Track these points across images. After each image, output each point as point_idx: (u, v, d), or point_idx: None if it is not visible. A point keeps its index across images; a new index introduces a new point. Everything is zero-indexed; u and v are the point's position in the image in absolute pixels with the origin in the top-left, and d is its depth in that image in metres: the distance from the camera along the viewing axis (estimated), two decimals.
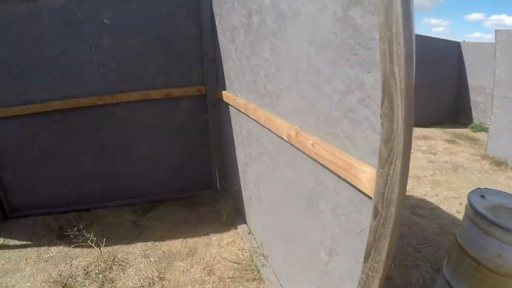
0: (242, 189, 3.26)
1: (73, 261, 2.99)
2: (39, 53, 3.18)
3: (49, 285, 2.72)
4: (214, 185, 3.99)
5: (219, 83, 3.45)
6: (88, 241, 3.02)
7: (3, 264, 2.99)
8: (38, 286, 2.74)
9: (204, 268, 2.86)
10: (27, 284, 2.77)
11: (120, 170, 3.71)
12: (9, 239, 3.31)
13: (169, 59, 3.45)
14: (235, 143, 3.25)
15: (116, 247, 3.17)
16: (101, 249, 3.06)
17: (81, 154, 3.58)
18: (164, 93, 3.50)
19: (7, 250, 3.16)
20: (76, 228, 3.12)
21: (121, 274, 2.81)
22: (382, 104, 1.11)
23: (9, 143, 3.41)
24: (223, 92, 3.24)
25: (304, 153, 1.76)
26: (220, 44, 3.21)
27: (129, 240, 3.26)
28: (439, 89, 8.39)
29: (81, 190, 3.70)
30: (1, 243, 3.26)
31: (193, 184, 3.96)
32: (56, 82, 3.30)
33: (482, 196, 2.09)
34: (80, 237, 3.07)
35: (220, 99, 3.45)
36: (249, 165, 2.93)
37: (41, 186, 3.62)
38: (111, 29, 3.25)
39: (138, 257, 3.02)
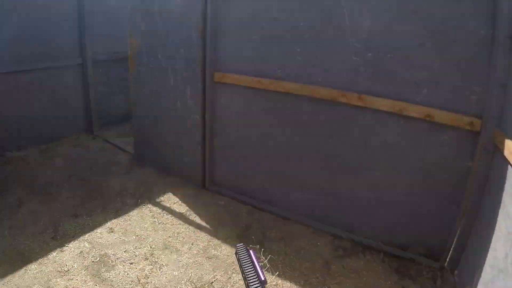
0: None
1: (234, 275, 2.25)
2: (284, 20, 2.65)
3: None
4: (442, 259, 2.43)
5: (503, 123, 1.98)
6: (261, 263, 2.26)
7: (168, 236, 2.60)
8: (182, 282, 2.17)
9: None
10: (174, 273, 2.24)
11: (338, 189, 2.76)
12: (191, 211, 2.94)
13: (442, 65, 2.20)
14: (497, 228, 1.86)
15: (288, 285, 2.21)
16: (269, 280, 2.20)
17: (302, 155, 2.85)
18: (425, 113, 2.28)
19: (183, 224, 2.77)
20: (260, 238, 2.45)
21: None
22: None
23: (230, 114, 3.11)
24: (506, 140, 1.80)
25: None
26: None
27: (306, 285, 2.23)
28: None
29: (288, 195, 2.99)
30: (183, 212, 2.93)
31: (415, 245, 2.53)
32: (297, 60, 2.68)
33: None
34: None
35: (497, 148, 1.97)
36: (505, 277, 1.62)
37: (251, 172, 3.13)
38: (374, 5, 2.34)
39: None
